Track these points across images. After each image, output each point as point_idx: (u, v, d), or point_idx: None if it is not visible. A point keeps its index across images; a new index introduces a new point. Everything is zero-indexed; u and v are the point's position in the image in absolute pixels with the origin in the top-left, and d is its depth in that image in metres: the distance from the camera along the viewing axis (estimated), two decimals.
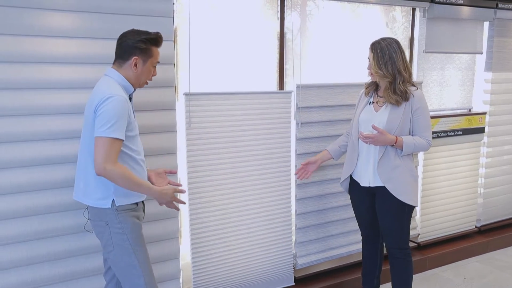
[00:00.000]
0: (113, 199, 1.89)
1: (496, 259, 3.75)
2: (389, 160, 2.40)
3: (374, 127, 2.32)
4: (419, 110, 2.40)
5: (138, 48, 1.91)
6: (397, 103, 2.37)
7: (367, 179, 2.49)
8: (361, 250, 2.84)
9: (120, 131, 1.80)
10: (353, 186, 2.59)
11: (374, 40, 2.42)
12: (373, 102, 2.48)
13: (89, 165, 1.87)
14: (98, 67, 2.22)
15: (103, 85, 1.89)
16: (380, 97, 2.46)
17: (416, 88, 2.43)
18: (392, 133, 2.36)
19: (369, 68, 2.43)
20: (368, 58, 2.43)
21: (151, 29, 2.01)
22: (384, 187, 2.42)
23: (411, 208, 2.48)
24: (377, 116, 2.42)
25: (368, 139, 2.32)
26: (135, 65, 1.92)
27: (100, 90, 1.86)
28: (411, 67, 3.51)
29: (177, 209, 2.07)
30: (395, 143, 2.35)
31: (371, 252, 2.72)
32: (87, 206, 1.97)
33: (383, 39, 2.39)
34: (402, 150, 2.38)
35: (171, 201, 1.99)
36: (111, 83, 1.89)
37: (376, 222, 2.60)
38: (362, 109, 2.50)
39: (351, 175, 2.58)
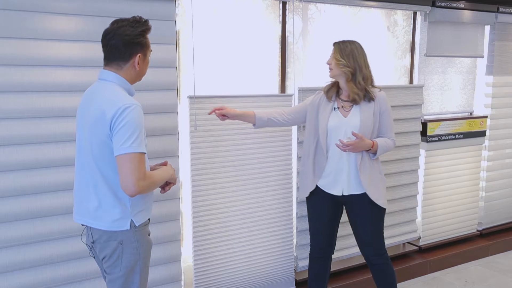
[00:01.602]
0: (131, 219, 1.73)
1: (497, 262, 3.74)
2: (367, 166, 2.38)
3: (354, 134, 2.27)
4: (386, 112, 2.41)
5: (139, 43, 1.72)
6: (359, 98, 2.35)
7: (340, 188, 2.40)
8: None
9: (143, 144, 1.66)
10: (315, 194, 2.48)
11: (337, 40, 2.43)
12: (338, 108, 2.42)
13: (101, 184, 1.70)
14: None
15: (108, 92, 1.70)
16: (345, 101, 2.41)
17: (379, 90, 2.44)
18: (367, 136, 2.34)
19: (329, 62, 2.40)
20: (330, 55, 2.41)
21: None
22: (359, 194, 2.39)
23: (384, 211, 2.47)
24: (348, 121, 2.37)
25: (349, 147, 2.27)
26: (138, 63, 1.75)
27: (109, 99, 1.66)
28: (412, 70, 3.53)
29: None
30: (372, 147, 2.34)
31: (322, 269, 2.58)
32: (90, 228, 1.77)
33: (348, 40, 2.40)
34: (374, 154, 2.38)
35: (174, 177, 1.93)
36: (117, 89, 1.71)
37: (332, 236, 2.55)
38: (328, 116, 2.40)
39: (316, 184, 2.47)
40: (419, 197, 3.53)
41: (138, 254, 1.76)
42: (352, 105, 2.38)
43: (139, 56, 1.74)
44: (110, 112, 1.62)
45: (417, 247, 3.59)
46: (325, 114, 2.41)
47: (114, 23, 1.75)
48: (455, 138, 3.62)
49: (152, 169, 1.89)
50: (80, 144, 1.77)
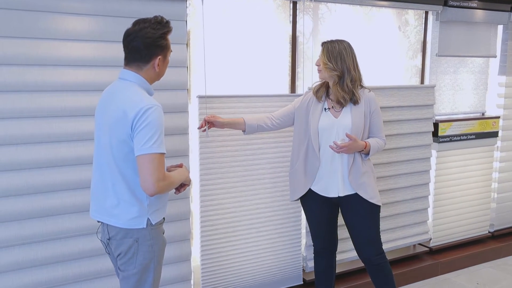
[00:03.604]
0: (148, 218, 1.76)
1: (509, 264, 3.70)
2: (358, 166, 2.37)
3: (348, 135, 2.27)
4: (376, 112, 2.41)
5: (160, 46, 1.74)
6: (344, 102, 2.34)
7: (335, 190, 2.40)
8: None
9: (164, 144, 1.68)
10: (310, 198, 2.47)
11: (326, 40, 2.40)
12: (328, 108, 2.40)
13: (120, 182, 1.72)
14: (113, 70, 2.25)
15: (129, 92, 1.71)
16: (335, 101, 2.40)
17: (369, 90, 2.43)
18: (359, 137, 2.33)
19: (318, 63, 2.39)
20: (319, 56, 2.39)
21: None
22: (353, 195, 2.38)
23: (380, 208, 2.46)
24: (339, 122, 2.36)
25: (343, 148, 2.26)
26: (158, 64, 1.77)
27: (131, 99, 1.68)
28: (423, 70, 3.50)
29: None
30: (365, 148, 2.34)
31: (328, 266, 2.60)
32: (106, 225, 1.80)
33: (337, 40, 2.37)
34: (367, 154, 2.38)
35: (189, 179, 1.96)
36: (137, 89, 1.73)
37: (333, 234, 2.56)
38: (319, 116, 2.39)
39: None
40: (430, 198, 3.51)
41: (153, 252, 1.78)
42: (348, 103, 2.37)
43: (159, 58, 1.76)
44: (132, 113, 1.64)
45: (427, 249, 3.57)
46: (316, 115, 2.40)
47: (135, 24, 1.76)
48: (467, 139, 3.58)
49: (168, 170, 1.90)
50: (99, 142, 1.79)
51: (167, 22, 1.78)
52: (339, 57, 2.31)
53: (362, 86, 2.42)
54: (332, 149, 2.29)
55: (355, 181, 2.37)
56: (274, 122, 2.50)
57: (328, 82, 2.41)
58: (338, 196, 2.41)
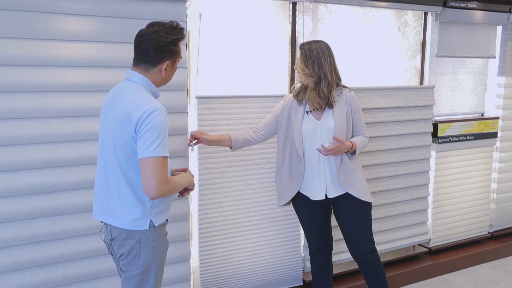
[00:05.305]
0: (151, 219, 1.76)
1: (509, 265, 3.71)
2: (347, 165, 2.37)
3: (335, 138, 2.27)
4: (357, 111, 2.42)
5: (170, 51, 1.75)
6: (320, 108, 2.34)
7: (323, 192, 2.39)
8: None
9: (167, 148, 1.67)
10: (300, 201, 2.46)
11: (304, 41, 2.40)
12: (310, 111, 2.39)
13: (123, 183, 1.72)
14: (112, 71, 2.26)
15: (134, 94, 1.72)
16: None
17: (349, 90, 2.43)
18: (343, 137, 2.34)
19: (296, 67, 2.40)
20: (298, 59, 2.40)
21: None
22: (344, 194, 2.39)
23: (371, 205, 2.47)
24: (323, 125, 2.36)
25: (331, 151, 2.27)
26: (165, 69, 1.77)
27: (135, 102, 1.68)
28: (423, 71, 3.51)
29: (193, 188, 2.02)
30: (351, 148, 2.35)
31: (325, 264, 2.60)
32: (109, 226, 1.80)
33: (315, 41, 2.37)
34: (354, 154, 2.39)
35: (193, 184, 1.96)
36: (143, 92, 1.73)
37: (328, 235, 2.56)
38: (301, 120, 2.38)
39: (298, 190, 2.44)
40: (430, 199, 3.51)
41: (155, 254, 1.78)
42: (325, 108, 2.37)
43: (168, 63, 1.76)
44: (136, 115, 1.64)
45: (427, 249, 3.57)
46: (298, 118, 2.39)
47: (149, 26, 1.75)
48: (466, 139, 3.59)
49: (172, 174, 1.90)
50: (103, 143, 1.79)
51: (182, 29, 1.77)
52: (316, 62, 2.31)
53: (341, 86, 2.42)
54: (320, 152, 2.29)
55: (345, 180, 2.37)
56: (259, 134, 2.47)
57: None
58: (328, 198, 2.41)
